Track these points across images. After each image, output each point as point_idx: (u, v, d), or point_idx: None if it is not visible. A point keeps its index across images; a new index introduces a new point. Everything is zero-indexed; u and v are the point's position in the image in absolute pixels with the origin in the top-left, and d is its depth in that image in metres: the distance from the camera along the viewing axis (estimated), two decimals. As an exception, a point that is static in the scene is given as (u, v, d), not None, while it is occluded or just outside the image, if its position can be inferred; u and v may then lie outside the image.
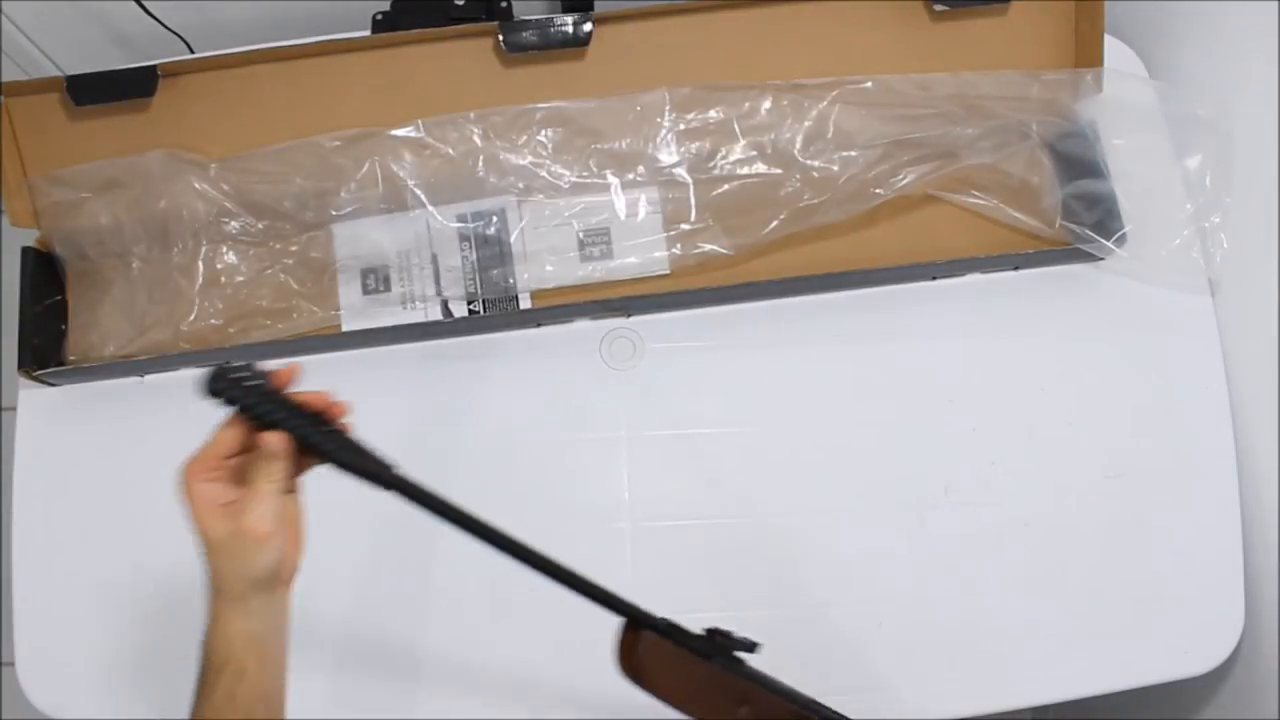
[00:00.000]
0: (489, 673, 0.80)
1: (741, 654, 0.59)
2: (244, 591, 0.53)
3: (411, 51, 0.86)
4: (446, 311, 0.87)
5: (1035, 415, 0.86)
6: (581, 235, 0.88)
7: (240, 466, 0.54)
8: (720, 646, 0.58)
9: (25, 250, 0.86)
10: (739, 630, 0.59)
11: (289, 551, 0.55)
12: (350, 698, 0.79)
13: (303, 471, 0.56)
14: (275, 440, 0.52)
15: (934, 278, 0.89)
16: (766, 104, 0.87)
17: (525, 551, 0.56)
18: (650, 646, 0.59)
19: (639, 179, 0.88)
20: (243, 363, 0.52)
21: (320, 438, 0.53)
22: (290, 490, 0.55)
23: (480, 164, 0.86)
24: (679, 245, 0.87)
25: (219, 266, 0.87)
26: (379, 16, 0.92)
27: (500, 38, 0.85)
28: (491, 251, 0.87)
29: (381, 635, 0.81)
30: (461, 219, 0.88)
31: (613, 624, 0.59)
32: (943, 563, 0.83)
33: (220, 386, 0.51)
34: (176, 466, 0.53)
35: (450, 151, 0.86)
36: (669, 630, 0.59)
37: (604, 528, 0.83)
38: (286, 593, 0.56)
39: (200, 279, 0.86)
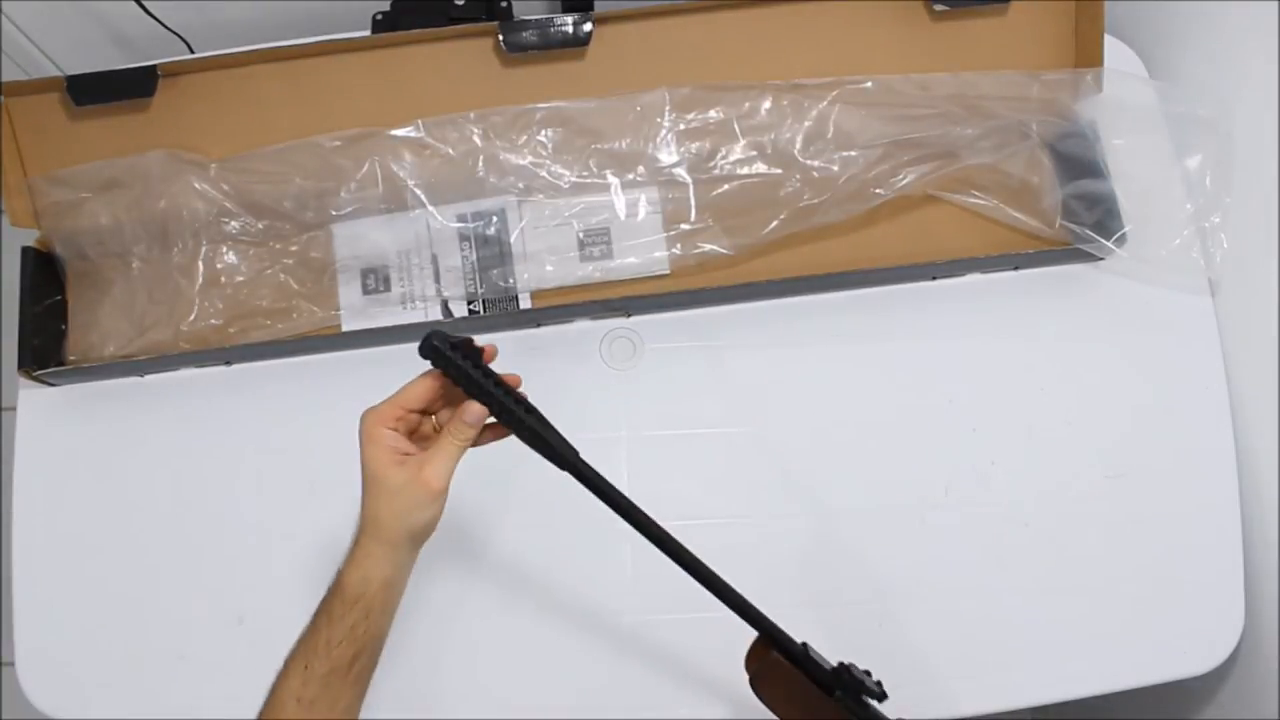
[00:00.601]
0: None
1: (870, 700, 0.59)
2: (399, 539, 0.56)
3: (411, 51, 0.86)
4: (446, 311, 0.87)
5: (1035, 415, 0.86)
6: (581, 235, 0.88)
7: (417, 423, 0.57)
8: (847, 684, 0.58)
9: (25, 250, 0.86)
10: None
11: (438, 513, 0.57)
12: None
13: (484, 443, 0.58)
14: (478, 409, 0.56)
15: (934, 278, 0.89)
16: (766, 104, 0.87)
17: (682, 552, 0.58)
18: (779, 661, 0.60)
19: (639, 179, 0.88)
20: (459, 335, 0.55)
21: (519, 414, 0.56)
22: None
23: (480, 164, 0.86)
24: (679, 245, 0.87)
25: (219, 266, 0.87)
26: (379, 16, 0.92)
27: (500, 38, 0.85)
28: (491, 251, 0.87)
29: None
30: (461, 219, 0.88)
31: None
32: (943, 563, 0.83)
33: (431, 351, 0.55)
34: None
35: (450, 151, 0.86)
36: (802, 656, 0.60)
37: (604, 527, 0.81)
38: (418, 551, 0.59)
39: (200, 279, 0.86)
